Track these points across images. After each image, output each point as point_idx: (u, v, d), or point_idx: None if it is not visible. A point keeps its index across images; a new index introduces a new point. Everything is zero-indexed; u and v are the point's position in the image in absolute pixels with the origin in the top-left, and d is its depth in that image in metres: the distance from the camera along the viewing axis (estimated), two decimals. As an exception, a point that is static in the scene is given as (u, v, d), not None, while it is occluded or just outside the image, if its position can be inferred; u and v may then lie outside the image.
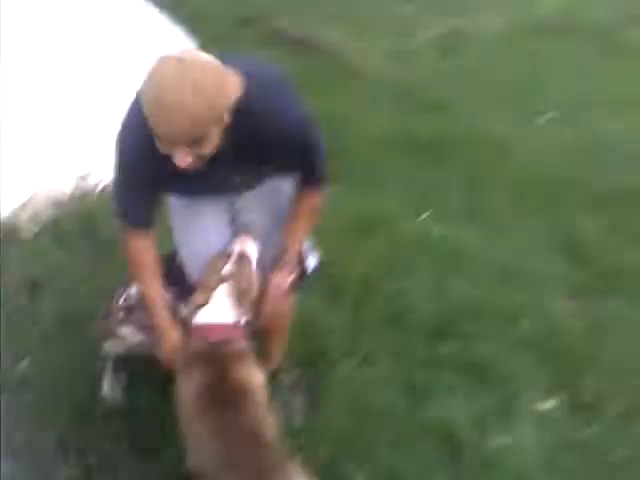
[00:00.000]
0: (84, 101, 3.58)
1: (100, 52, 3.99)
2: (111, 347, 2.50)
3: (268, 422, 1.99)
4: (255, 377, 2.05)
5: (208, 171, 1.88)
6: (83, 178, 3.48)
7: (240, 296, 2.11)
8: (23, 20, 3.60)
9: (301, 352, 2.76)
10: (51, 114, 3.49)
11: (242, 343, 2.10)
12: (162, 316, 2.18)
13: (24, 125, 3.41)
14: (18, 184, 3.34)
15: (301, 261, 2.36)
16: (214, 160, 1.84)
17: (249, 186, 2.18)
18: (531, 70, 5.50)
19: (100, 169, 3.47)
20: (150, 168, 1.93)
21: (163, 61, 1.68)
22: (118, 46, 4.01)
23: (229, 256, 2.15)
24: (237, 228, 2.29)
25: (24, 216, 3.28)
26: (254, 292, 2.15)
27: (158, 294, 2.18)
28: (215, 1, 6.13)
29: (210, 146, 1.78)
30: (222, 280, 2.12)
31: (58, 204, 3.38)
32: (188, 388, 2.01)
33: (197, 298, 2.12)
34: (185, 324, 2.16)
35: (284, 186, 2.24)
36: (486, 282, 3.30)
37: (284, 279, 2.23)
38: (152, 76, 1.68)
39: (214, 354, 2.04)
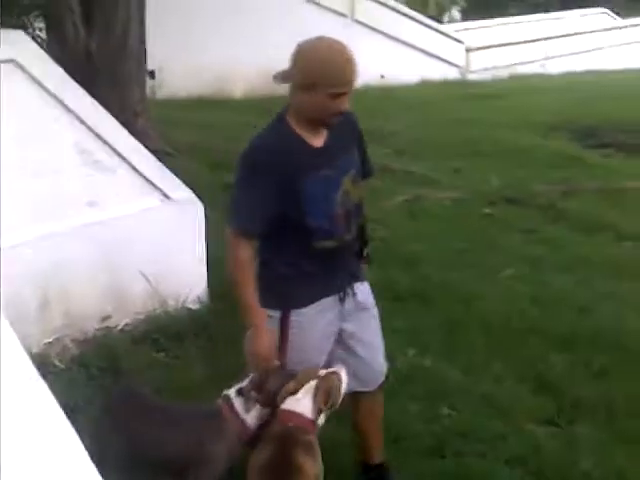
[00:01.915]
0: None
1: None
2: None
3: None
4: (313, 468, 2.41)
5: (325, 157, 2.59)
6: (104, 319, 3.84)
7: (324, 397, 2.50)
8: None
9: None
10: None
11: (312, 437, 2.47)
12: (259, 316, 2.56)
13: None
14: (46, 319, 3.67)
15: None
16: (329, 144, 2.61)
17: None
18: (486, 233, 6.22)
19: (120, 311, 3.87)
20: (281, 165, 2.50)
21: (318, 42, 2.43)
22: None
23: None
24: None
25: (53, 352, 3.60)
26: (337, 400, 2.56)
27: (255, 297, 2.56)
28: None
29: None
30: (313, 378, 2.53)
31: (83, 342, 3.72)
32: (257, 459, 2.36)
33: (289, 387, 2.50)
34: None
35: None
36: (469, 409, 3.73)
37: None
38: (318, 50, 2.40)
39: (287, 438, 2.41)
